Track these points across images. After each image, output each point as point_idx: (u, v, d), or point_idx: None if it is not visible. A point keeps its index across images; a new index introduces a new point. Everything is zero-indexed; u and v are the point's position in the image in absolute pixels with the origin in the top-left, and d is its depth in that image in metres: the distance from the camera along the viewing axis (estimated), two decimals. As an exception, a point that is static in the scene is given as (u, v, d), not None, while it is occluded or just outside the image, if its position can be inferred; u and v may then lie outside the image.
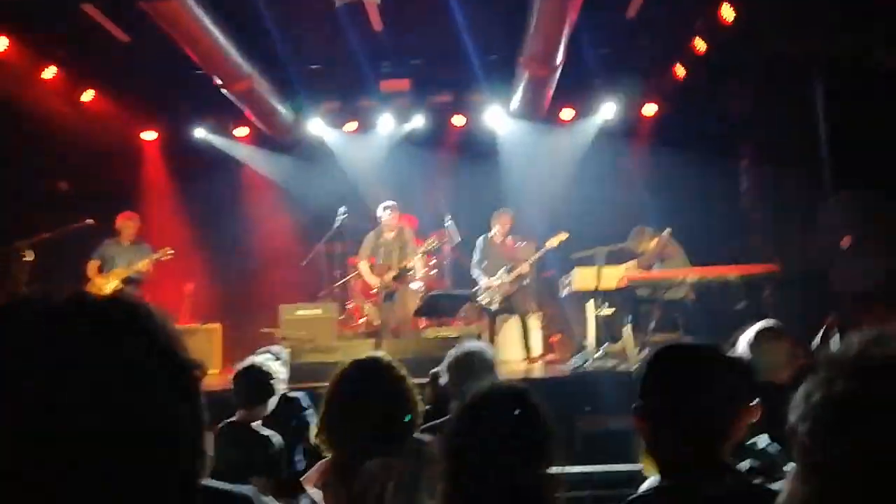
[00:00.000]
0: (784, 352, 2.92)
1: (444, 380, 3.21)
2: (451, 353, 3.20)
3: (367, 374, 2.32)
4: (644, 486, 1.82)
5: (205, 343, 8.27)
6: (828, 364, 0.72)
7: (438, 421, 3.22)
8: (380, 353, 2.49)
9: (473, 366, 3.06)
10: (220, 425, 3.40)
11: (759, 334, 2.98)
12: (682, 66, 8.65)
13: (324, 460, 2.24)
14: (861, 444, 0.64)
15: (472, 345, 3.28)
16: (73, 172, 9.13)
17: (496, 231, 7.85)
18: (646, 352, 6.76)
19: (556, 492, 1.72)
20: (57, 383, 0.65)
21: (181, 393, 0.72)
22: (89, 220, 7.77)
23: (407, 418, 2.23)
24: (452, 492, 1.68)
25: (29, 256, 6.77)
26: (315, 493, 2.12)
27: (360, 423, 2.14)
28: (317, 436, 2.28)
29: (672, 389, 1.70)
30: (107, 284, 7.35)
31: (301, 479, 2.25)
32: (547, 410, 1.77)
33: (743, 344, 2.96)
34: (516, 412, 1.70)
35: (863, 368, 0.68)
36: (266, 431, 3.51)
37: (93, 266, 7.47)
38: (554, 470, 1.73)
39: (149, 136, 9.86)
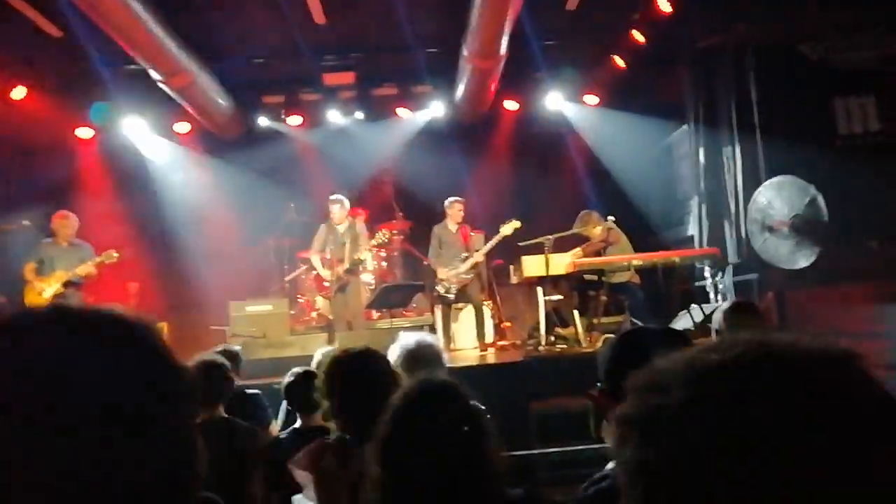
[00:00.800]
0: (757, 325, 3.06)
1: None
2: (396, 349, 2.98)
3: (365, 361, 2.32)
4: (609, 466, 1.82)
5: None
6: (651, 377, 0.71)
7: None
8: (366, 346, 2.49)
9: (423, 358, 2.96)
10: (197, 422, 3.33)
11: (732, 309, 3.12)
12: (622, 57, 8.87)
13: (314, 444, 2.23)
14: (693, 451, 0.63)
15: (414, 337, 3.13)
16: (6, 172, 8.80)
17: (450, 220, 7.90)
18: (594, 335, 6.98)
19: (500, 482, 1.69)
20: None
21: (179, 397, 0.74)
22: (25, 222, 7.52)
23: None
24: (388, 498, 1.63)
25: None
26: (303, 475, 2.12)
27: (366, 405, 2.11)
28: (325, 418, 2.28)
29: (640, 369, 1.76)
30: (47, 287, 7.11)
31: (288, 462, 2.23)
32: (475, 402, 1.74)
33: (718, 319, 3.09)
34: (446, 410, 1.66)
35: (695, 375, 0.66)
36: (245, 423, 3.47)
37: (30, 268, 7.20)
38: (504, 455, 1.71)
39: (84, 133, 9.57)
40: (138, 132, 9.52)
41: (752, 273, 7.30)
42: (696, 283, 7.99)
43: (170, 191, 9.64)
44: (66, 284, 7.16)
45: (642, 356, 1.81)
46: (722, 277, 7.60)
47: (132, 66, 8.06)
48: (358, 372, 2.30)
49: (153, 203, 9.36)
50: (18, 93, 8.53)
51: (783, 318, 6.38)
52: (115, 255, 7.25)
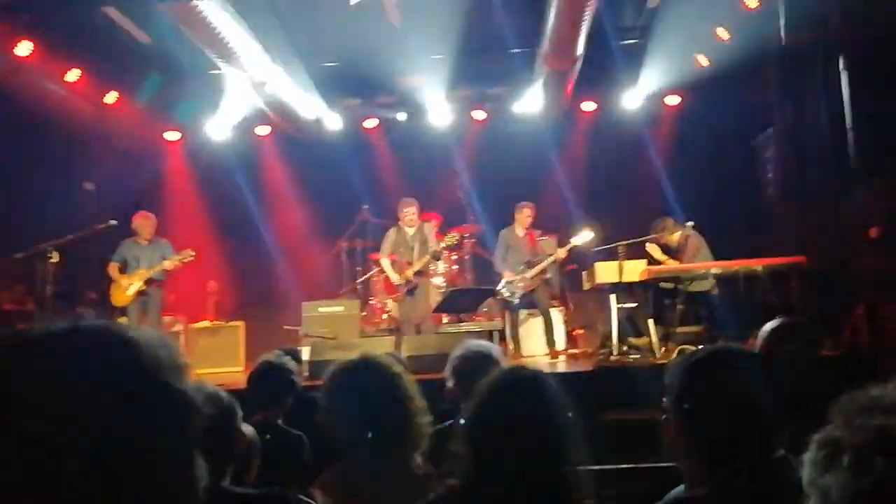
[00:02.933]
0: (797, 350, 2.83)
1: (450, 383, 3.08)
2: (455, 356, 3.08)
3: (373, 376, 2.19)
4: (680, 488, 1.78)
5: (229, 340, 8.36)
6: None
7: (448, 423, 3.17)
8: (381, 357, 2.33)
9: (479, 365, 2.96)
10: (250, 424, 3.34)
11: (771, 332, 2.90)
12: (705, 56, 8.54)
13: (334, 467, 2.16)
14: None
15: (474, 344, 3.16)
16: (97, 173, 9.23)
17: (518, 224, 7.82)
18: (670, 345, 6.72)
19: (580, 470, 1.70)
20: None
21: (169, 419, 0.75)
22: (113, 221, 7.85)
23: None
24: (474, 481, 1.68)
25: (55, 258, 6.85)
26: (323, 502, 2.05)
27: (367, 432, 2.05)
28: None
29: (712, 397, 1.66)
30: (131, 285, 7.42)
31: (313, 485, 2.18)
32: (562, 394, 1.77)
33: (761, 339, 2.88)
34: (533, 395, 1.72)
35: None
36: (296, 431, 3.45)
37: (114, 267, 7.54)
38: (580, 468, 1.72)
39: (172, 136, 9.94)
40: (221, 134, 9.82)
41: (842, 283, 6.88)
42: (781, 294, 7.58)
43: (249, 192, 9.90)
44: (148, 282, 7.45)
45: (717, 380, 1.68)
46: (809, 288, 7.18)
47: (216, 70, 8.30)
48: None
49: (233, 203, 9.62)
50: (111, 97, 8.93)
51: (875, 333, 5.96)
52: (192, 253, 7.48)
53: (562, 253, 7.69)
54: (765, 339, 2.85)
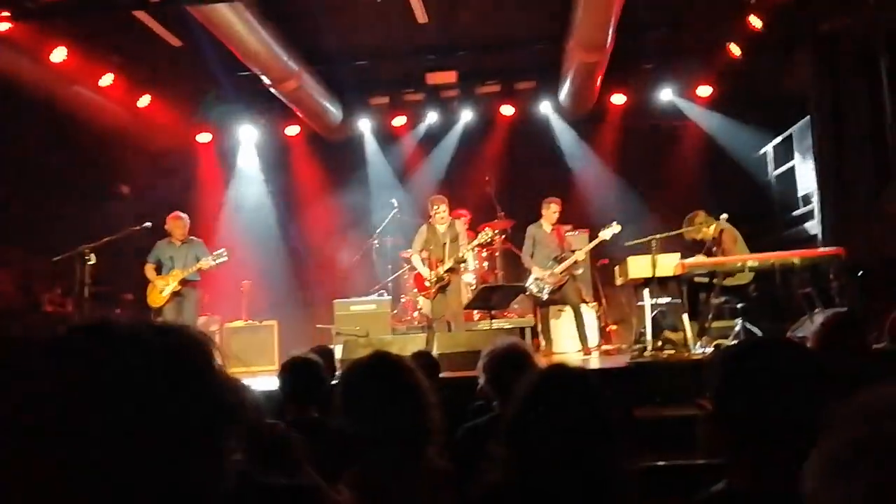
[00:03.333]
0: (852, 342, 2.76)
1: (482, 380, 3.10)
2: (486, 353, 3.11)
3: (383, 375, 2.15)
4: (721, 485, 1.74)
5: (263, 339, 8.44)
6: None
7: (480, 420, 3.15)
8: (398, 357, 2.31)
9: (510, 363, 2.98)
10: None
11: (830, 324, 2.83)
12: (737, 44, 8.38)
13: (358, 464, 2.14)
14: None
15: (506, 341, 3.19)
16: (132, 176, 9.38)
17: (545, 219, 7.76)
18: (705, 340, 6.61)
19: (628, 467, 1.70)
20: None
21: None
22: (147, 224, 7.95)
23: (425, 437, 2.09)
24: (516, 477, 1.67)
25: (92, 260, 6.98)
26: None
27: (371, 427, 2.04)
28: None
29: (755, 390, 1.61)
30: (166, 286, 7.52)
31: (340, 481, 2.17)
32: (606, 391, 1.77)
33: (812, 333, 2.82)
34: (578, 393, 1.72)
35: None
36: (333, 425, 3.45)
37: (150, 268, 7.64)
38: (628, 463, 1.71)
39: (203, 137, 10.06)
40: (251, 135, 9.91)
41: (883, 277, 6.70)
42: (820, 287, 7.42)
43: (280, 191, 9.99)
44: (183, 282, 7.54)
45: (762, 373, 1.63)
46: (848, 280, 7.01)
47: (245, 73, 8.38)
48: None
49: (264, 203, 9.71)
50: (144, 101, 9.06)
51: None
52: (226, 255, 7.54)
53: (580, 255, 7.61)
54: (817, 332, 2.79)
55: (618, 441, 1.70)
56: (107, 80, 8.33)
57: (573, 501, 1.65)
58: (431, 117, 9.83)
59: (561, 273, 7.54)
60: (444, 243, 7.51)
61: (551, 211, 7.71)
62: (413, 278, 8.70)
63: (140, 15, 7.54)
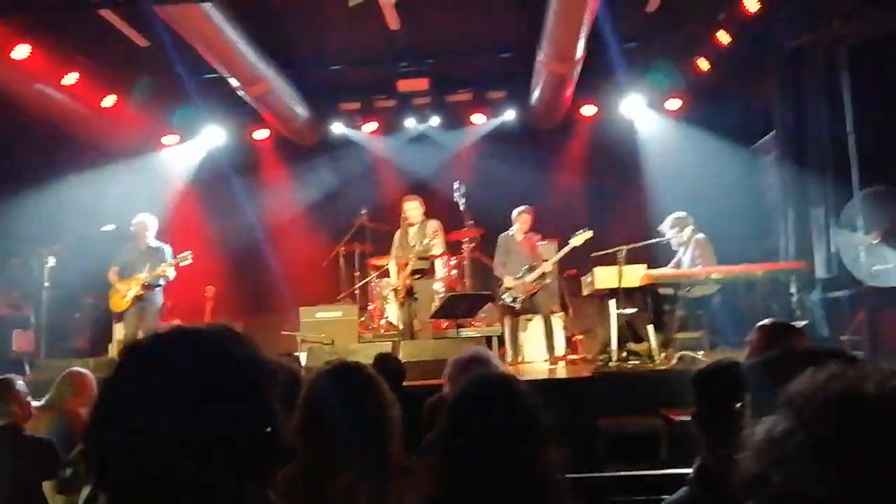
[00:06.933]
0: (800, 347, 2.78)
1: (447, 389, 3.08)
2: (451, 361, 3.11)
3: (347, 381, 2.14)
4: (681, 491, 1.84)
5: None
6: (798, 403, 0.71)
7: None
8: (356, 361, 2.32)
9: (475, 372, 2.95)
10: None
11: (767, 329, 2.86)
12: (706, 59, 8.50)
13: (290, 467, 2.09)
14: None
15: (471, 350, 3.18)
16: (94, 178, 9.19)
17: (517, 229, 7.75)
18: (669, 352, 6.66)
19: (557, 473, 1.68)
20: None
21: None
22: (110, 226, 7.80)
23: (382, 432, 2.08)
24: (449, 487, 1.65)
25: (51, 262, 6.82)
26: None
27: (336, 432, 2.02)
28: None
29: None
30: (128, 290, 7.34)
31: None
32: (533, 397, 1.74)
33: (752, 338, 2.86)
34: (502, 402, 1.69)
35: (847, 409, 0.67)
36: None
37: (113, 272, 7.45)
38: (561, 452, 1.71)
39: (170, 140, 9.91)
40: (219, 139, 9.78)
41: (843, 290, 6.82)
42: (781, 300, 7.52)
43: (247, 196, 9.86)
44: (146, 286, 7.36)
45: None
46: (809, 294, 7.12)
47: (213, 75, 8.27)
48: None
49: (231, 208, 9.58)
50: (109, 101, 8.90)
51: (875, 340, 5.90)
52: (190, 257, 7.40)
53: (548, 266, 7.59)
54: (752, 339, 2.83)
55: (547, 447, 1.67)
56: (71, 78, 8.17)
57: None
58: (402, 124, 9.81)
59: (532, 282, 7.54)
60: (414, 245, 7.45)
61: (523, 220, 7.69)
62: (381, 285, 8.65)
63: (106, 14, 7.41)
